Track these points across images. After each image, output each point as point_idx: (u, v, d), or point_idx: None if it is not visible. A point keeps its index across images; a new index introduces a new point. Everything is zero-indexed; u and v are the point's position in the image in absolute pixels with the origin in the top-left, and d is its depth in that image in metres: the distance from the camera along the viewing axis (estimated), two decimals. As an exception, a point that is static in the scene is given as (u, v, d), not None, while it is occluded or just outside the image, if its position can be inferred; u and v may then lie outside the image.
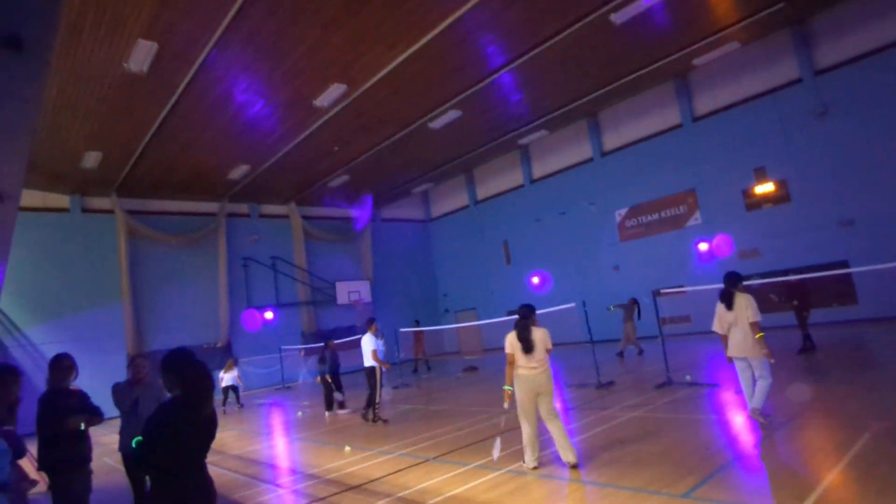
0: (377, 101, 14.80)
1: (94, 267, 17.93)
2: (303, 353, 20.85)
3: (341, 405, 11.92)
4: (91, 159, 15.40)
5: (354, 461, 6.99)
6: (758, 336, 5.88)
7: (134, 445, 2.65)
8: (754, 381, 6.02)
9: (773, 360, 5.89)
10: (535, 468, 5.46)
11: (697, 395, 8.03)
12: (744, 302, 5.99)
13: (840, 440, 5.04)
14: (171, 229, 19.84)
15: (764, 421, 5.85)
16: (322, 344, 13.01)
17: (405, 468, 6.27)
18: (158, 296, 19.16)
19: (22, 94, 2.54)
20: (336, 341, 18.68)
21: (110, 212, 18.52)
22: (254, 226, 22.30)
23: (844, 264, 13.53)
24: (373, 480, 5.93)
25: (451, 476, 5.66)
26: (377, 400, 9.79)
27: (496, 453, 5.68)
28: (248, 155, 17.42)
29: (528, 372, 5.55)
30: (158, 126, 14.06)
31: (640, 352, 14.19)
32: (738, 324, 6.02)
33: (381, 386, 9.99)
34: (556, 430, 5.42)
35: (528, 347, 5.55)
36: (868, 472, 4.16)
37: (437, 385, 14.58)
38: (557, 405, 8.99)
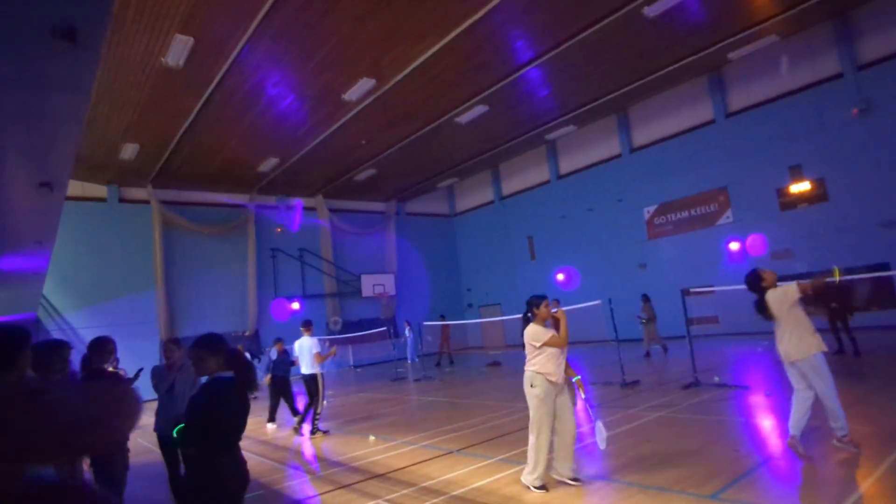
0: (405, 95, 14.86)
1: (130, 255, 18.48)
2: (328, 343, 21.15)
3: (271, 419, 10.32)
4: (129, 151, 15.84)
5: (378, 451, 7.09)
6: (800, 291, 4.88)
7: (175, 434, 2.76)
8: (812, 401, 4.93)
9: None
10: (537, 487, 4.74)
11: (725, 397, 7.90)
12: (779, 295, 5.04)
13: (877, 449, 4.90)
14: (203, 220, 20.31)
15: (855, 449, 4.80)
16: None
17: (429, 459, 6.34)
18: (190, 284, 19.66)
19: (74, 85, 2.65)
20: (358, 334, 19.00)
21: (146, 202, 19.05)
22: (282, 217, 22.67)
23: (885, 267, 13.09)
24: (396, 470, 6.01)
25: (475, 468, 5.71)
26: (319, 410, 8.95)
27: (601, 442, 5.08)
28: (278, 148, 17.69)
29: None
30: (193, 119, 14.39)
31: (665, 349, 14.12)
32: (780, 322, 5.05)
33: (323, 396, 9.07)
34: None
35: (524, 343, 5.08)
36: (904, 480, 4.05)
37: (461, 379, 14.64)
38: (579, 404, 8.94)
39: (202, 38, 10.85)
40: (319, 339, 9.58)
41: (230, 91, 13.38)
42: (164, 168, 17.68)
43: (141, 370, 5.06)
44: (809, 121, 15.38)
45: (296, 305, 21.93)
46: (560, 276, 22.03)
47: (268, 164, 18.95)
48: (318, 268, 23.09)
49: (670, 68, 16.02)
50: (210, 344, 2.83)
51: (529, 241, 23.84)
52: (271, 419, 10.32)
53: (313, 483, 6.07)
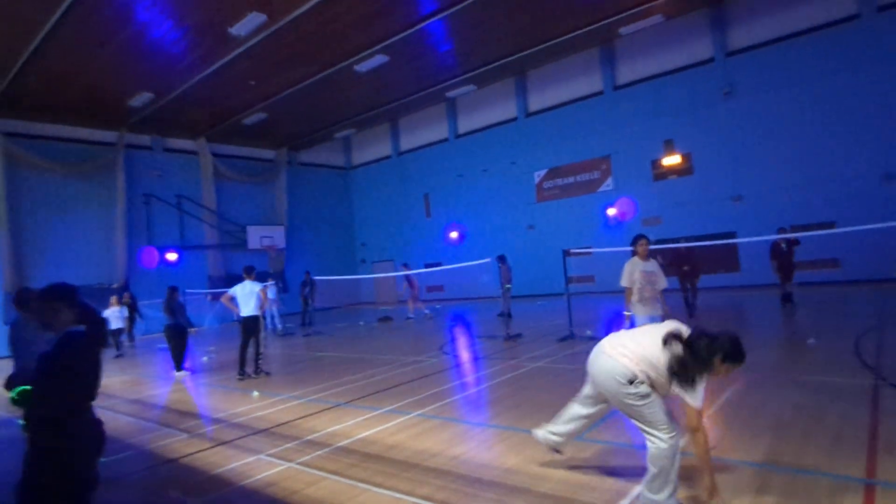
0: (300, 35, 13.93)
1: (-35, 193, 15.91)
2: (210, 297, 20.00)
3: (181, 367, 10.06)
4: (-42, 68, 13.41)
5: (263, 406, 6.92)
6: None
7: (15, 396, 2.43)
8: None
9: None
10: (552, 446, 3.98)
11: (595, 349, 8.63)
12: (653, 268, 6.60)
13: (713, 389, 5.65)
14: (60, 157, 17.91)
15: None
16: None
17: (314, 413, 6.29)
18: (44, 228, 17.43)
19: None
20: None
21: (-16, 132, 16.37)
22: (157, 160, 20.64)
23: (733, 234, 14.88)
24: (281, 424, 5.91)
25: (361, 420, 5.76)
26: (261, 351, 9.23)
27: None
28: (153, 81, 15.90)
29: None
30: (45, 37, 12.40)
31: (510, 317, 12.96)
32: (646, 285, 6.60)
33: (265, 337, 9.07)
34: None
35: None
36: (734, 415, 4.73)
37: (351, 334, 14.61)
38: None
39: (54, -59, 9.27)
40: (200, 292, 9.18)
41: (90, 8, 11.67)
42: (8, 94, 15.21)
43: None
44: (683, 99, 16.77)
45: (173, 256, 20.35)
46: (453, 234, 22.49)
47: (140, 99, 17.03)
48: (199, 216, 21.50)
49: (566, 36, 16.49)
50: (63, 295, 2.56)
51: (425, 198, 23.95)
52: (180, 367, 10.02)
53: (189, 441, 5.79)
